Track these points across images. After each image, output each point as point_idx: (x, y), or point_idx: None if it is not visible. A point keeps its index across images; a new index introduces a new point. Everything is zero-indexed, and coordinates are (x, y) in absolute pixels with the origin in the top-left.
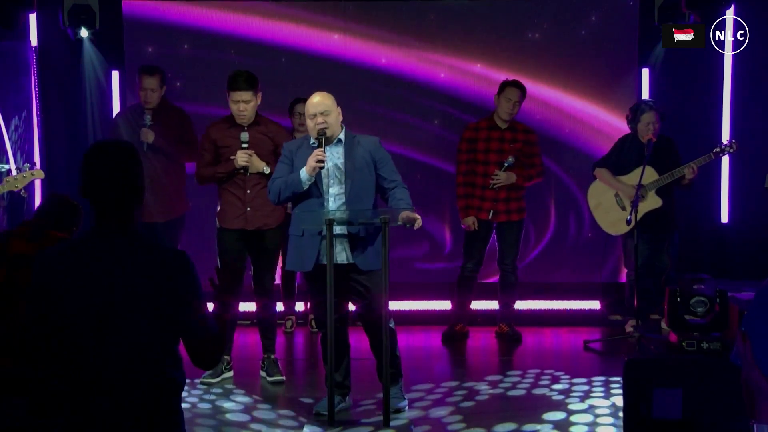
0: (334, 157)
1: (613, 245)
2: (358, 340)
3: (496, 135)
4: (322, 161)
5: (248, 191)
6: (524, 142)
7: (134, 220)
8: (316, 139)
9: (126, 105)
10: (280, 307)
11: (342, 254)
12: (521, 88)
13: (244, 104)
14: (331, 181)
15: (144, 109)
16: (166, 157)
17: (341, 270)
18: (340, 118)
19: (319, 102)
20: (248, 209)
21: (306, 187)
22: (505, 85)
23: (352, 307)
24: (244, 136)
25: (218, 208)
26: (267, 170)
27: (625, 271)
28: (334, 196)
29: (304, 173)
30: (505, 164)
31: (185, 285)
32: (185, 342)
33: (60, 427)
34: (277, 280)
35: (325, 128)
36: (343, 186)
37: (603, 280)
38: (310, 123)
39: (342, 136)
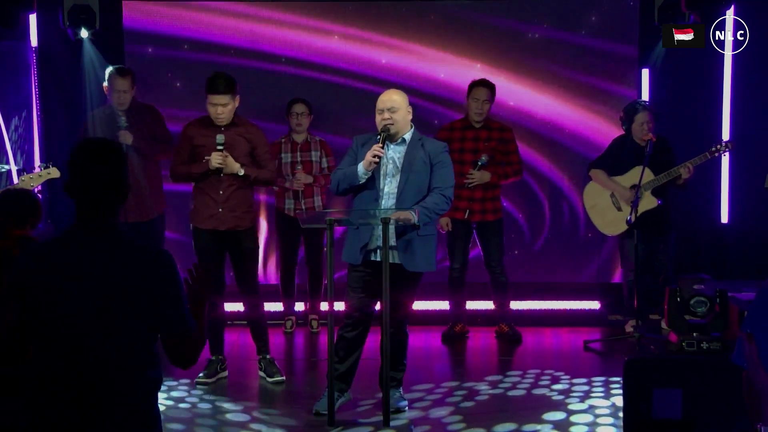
0: (396, 155)
1: (612, 245)
2: (367, 340)
3: (471, 134)
4: (379, 156)
5: (221, 192)
6: (499, 140)
7: (117, 218)
8: (379, 133)
9: None
10: (279, 307)
11: (390, 253)
12: (489, 87)
13: (222, 107)
14: (388, 179)
15: (116, 111)
16: (143, 157)
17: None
18: (409, 117)
19: (388, 99)
20: (220, 210)
21: (363, 180)
22: (472, 86)
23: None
24: (220, 138)
25: (191, 207)
26: (242, 172)
27: (621, 271)
28: (389, 194)
29: (361, 167)
30: (479, 163)
31: (166, 283)
32: (164, 340)
33: (40, 424)
34: (276, 280)
35: (390, 124)
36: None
37: (603, 280)
38: (378, 118)
39: (408, 136)
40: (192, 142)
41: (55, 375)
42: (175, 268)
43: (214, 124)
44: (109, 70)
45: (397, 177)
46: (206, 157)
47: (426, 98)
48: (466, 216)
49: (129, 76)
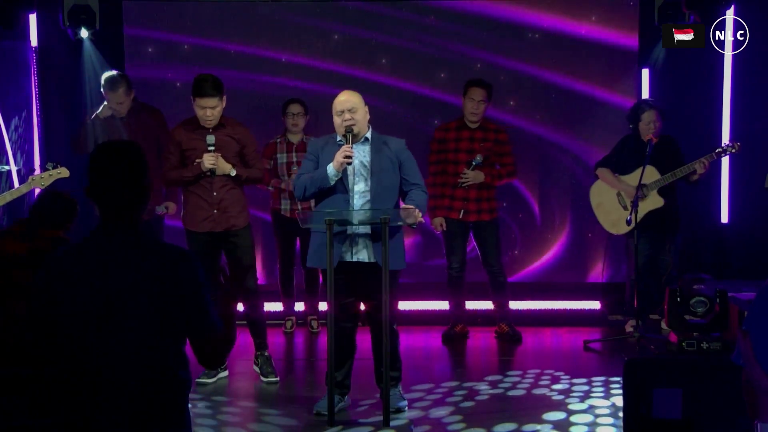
0: (361, 155)
1: (613, 245)
2: (359, 341)
3: (466, 135)
4: (350, 157)
5: (215, 193)
6: (495, 141)
7: (140, 219)
8: (344, 135)
9: None
10: (279, 307)
11: (363, 252)
12: (485, 87)
13: (211, 110)
14: (357, 179)
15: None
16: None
17: (362, 268)
18: (367, 116)
19: (347, 99)
20: (215, 211)
21: (333, 182)
22: (468, 85)
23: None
24: (211, 138)
25: (183, 211)
26: (233, 172)
27: (624, 270)
28: (359, 194)
29: (331, 169)
30: (473, 163)
31: (190, 283)
32: (192, 341)
33: (64, 426)
34: (275, 280)
35: (353, 125)
36: (369, 184)
37: (603, 280)
38: (337, 120)
39: (369, 135)
40: (181, 146)
41: (85, 377)
42: (199, 268)
43: (202, 127)
44: (102, 78)
45: (366, 177)
46: (197, 160)
47: (426, 97)
48: (461, 216)
49: (120, 88)
